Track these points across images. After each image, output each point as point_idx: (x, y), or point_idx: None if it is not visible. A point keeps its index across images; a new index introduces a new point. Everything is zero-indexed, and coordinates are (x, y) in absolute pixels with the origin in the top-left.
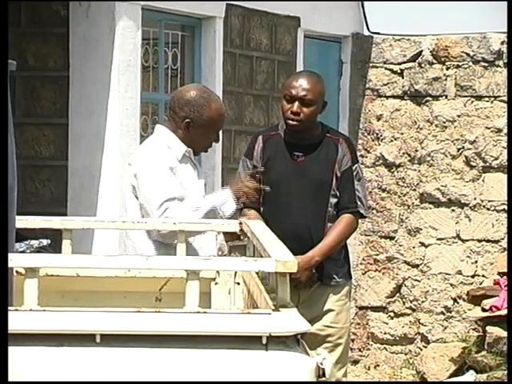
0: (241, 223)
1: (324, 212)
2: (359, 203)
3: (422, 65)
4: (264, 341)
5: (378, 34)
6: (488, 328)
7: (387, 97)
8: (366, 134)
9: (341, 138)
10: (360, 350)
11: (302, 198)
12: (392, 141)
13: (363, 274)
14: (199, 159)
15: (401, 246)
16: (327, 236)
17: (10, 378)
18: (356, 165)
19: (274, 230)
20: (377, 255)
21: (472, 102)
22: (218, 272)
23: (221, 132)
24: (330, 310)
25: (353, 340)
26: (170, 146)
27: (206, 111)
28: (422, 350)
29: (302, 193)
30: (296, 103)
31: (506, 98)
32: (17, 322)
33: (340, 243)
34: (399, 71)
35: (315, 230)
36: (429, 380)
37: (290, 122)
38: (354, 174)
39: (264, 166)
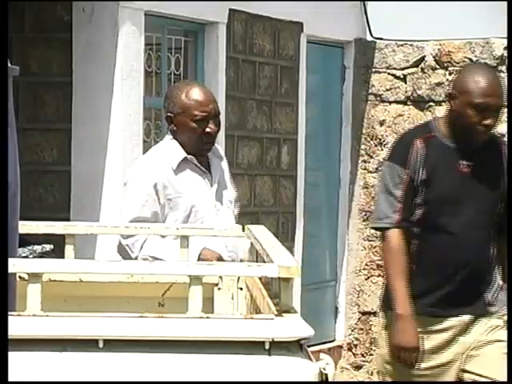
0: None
1: (491, 236)
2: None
3: (425, 70)
4: (267, 346)
5: (381, 39)
6: None
7: (390, 102)
8: (368, 140)
9: (503, 137)
10: (363, 356)
11: (474, 218)
12: None
13: (366, 279)
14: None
15: None
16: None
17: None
18: None
19: (441, 262)
20: (380, 260)
21: None
22: (220, 277)
23: (212, 125)
24: None
25: (356, 345)
26: (167, 155)
27: (179, 99)
28: None
29: (472, 212)
30: (489, 113)
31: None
32: (20, 327)
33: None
34: (402, 76)
35: (487, 261)
36: None
37: (481, 132)
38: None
39: (427, 179)
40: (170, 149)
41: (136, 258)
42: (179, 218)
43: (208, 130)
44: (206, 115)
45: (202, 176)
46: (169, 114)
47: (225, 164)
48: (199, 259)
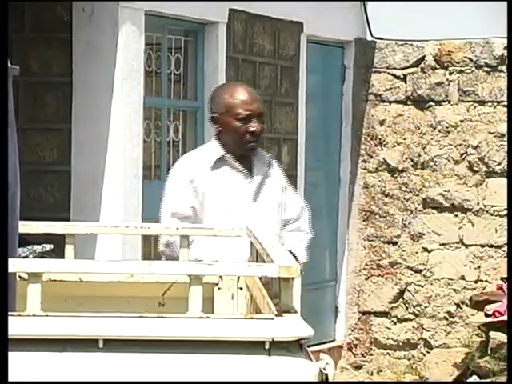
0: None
1: None
2: None
3: (425, 70)
4: (267, 346)
5: (381, 39)
6: (491, 333)
7: (390, 102)
8: (368, 139)
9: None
10: (363, 356)
11: None
12: (395, 146)
13: (366, 279)
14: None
15: (404, 251)
16: None
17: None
18: None
19: None
20: (380, 260)
21: (475, 107)
22: (221, 277)
23: (256, 123)
24: None
25: (356, 345)
26: (205, 154)
27: (222, 99)
28: (425, 355)
29: None
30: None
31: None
32: (20, 327)
33: None
34: (402, 76)
35: None
36: None
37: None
38: None
39: None
40: (209, 148)
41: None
42: (214, 215)
43: (252, 128)
44: (249, 114)
45: (240, 176)
46: (213, 114)
47: (276, 172)
48: None
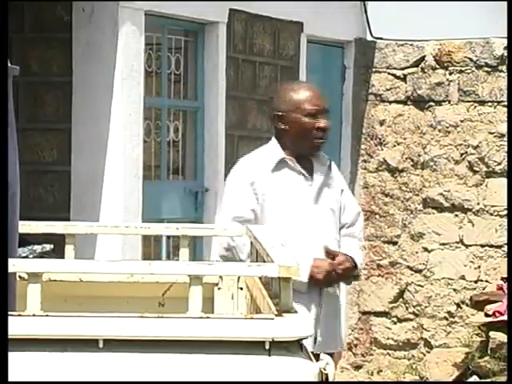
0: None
1: None
2: None
3: (425, 70)
4: (267, 346)
5: (381, 39)
6: (491, 333)
7: (390, 102)
8: (368, 139)
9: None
10: (363, 356)
11: None
12: (395, 146)
13: (366, 279)
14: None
15: (404, 251)
16: None
17: None
18: None
19: None
20: (380, 260)
21: (475, 107)
22: (221, 277)
23: (323, 119)
24: None
25: (356, 345)
26: (266, 156)
27: (289, 97)
28: (425, 355)
29: None
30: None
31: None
32: (20, 327)
33: None
34: (402, 76)
35: None
36: None
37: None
38: None
39: None
40: (270, 149)
41: (241, 261)
42: (275, 218)
43: (320, 124)
44: (317, 109)
45: (301, 178)
46: (278, 112)
47: (335, 173)
48: (311, 271)
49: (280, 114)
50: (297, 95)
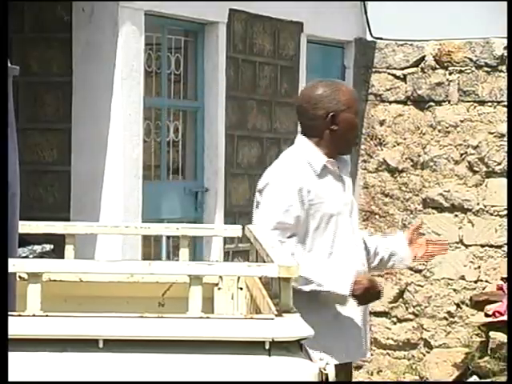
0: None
1: None
2: None
3: (425, 70)
4: (267, 346)
5: (381, 39)
6: (491, 333)
7: (390, 102)
8: (368, 140)
9: None
10: None
11: None
12: (395, 146)
13: None
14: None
15: None
16: None
17: None
18: None
19: None
20: None
21: (475, 107)
22: (220, 277)
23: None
24: None
25: None
26: (309, 160)
27: (338, 96)
28: (425, 355)
29: None
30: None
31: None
32: (20, 327)
33: None
34: (402, 76)
35: None
36: None
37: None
38: None
39: None
40: (309, 152)
41: None
42: (319, 225)
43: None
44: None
45: (339, 184)
46: (331, 113)
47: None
48: (355, 284)
49: (334, 114)
50: (348, 95)
